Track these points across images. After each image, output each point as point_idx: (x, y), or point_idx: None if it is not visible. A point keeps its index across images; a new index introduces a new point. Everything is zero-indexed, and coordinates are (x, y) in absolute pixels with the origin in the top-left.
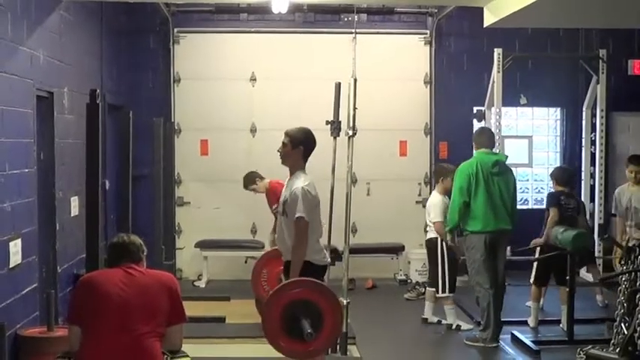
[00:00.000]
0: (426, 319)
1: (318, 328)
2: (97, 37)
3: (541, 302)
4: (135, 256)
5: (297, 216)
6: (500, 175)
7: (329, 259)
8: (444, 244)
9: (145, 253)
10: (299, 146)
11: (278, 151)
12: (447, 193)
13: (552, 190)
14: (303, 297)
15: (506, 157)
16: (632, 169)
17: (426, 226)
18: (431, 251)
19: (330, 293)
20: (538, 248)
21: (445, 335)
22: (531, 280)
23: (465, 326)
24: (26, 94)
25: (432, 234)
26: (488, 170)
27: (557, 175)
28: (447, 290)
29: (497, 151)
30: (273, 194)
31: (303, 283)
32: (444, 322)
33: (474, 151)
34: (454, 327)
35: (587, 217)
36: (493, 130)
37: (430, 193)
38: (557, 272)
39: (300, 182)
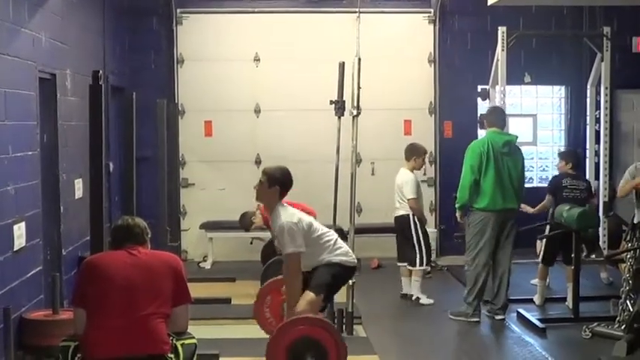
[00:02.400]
0: (406, 294)
1: None
2: (100, 18)
3: (547, 280)
4: (139, 239)
5: (286, 252)
6: (510, 155)
7: (355, 260)
8: (415, 219)
9: (149, 236)
10: (275, 185)
11: (254, 187)
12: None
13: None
14: (306, 334)
15: (517, 137)
16: None
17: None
18: (402, 227)
19: (333, 329)
20: (547, 227)
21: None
22: (539, 259)
23: (424, 300)
24: (29, 76)
25: (402, 211)
26: (499, 150)
27: (568, 156)
28: (423, 263)
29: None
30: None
31: (310, 320)
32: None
33: (485, 130)
34: (414, 298)
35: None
36: None
37: (434, 171)
38: (565, 251)
39: (280, 219)
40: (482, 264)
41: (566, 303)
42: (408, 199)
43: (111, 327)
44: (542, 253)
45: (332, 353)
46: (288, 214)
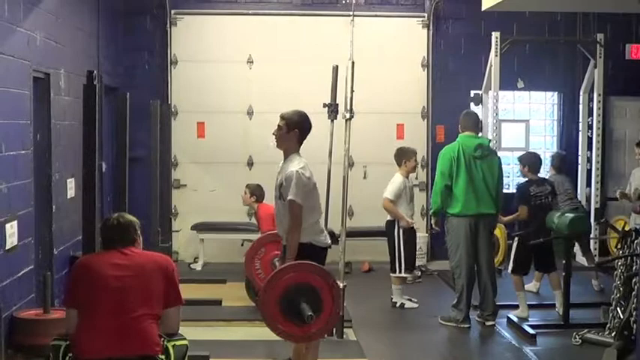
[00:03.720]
0: (396, 302)
1: (317, 310)
2: (94, 19)
3: (538, 287)
4: (129, 237)
5: (289, 199)
6: (483, 158)
7: (329, 241)
8: (398, 224)
9: (138, 233)
10: (294, 129)
11: (273, 133)
12: (409, 175)
13: (522, 179)
14: (300, 280)
15: (489, 140)
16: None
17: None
18: (388, 233)
19: (328, 275)
20: (516, 239)
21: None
22: (509, 270)
23: (408, 305)
24: (23, 75)
25: (389, 216)
26: (471, 154)
27: (528, 161)
28: (402, 270)
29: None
30: (259, 217)
31: (300, 266)
32: (405, 304)
33: (459, 135)
34: (398, 305)
35: (584, 201)
36: (490, 113)
37: (426, 175)
38: (537, 259)
39: (294, 165)
40: (464, 269)
41: (556, 309)
42: (383, 198)
43: (102, 328)
44: (511, 264)
45: (325, 295)
46: (303, 165)
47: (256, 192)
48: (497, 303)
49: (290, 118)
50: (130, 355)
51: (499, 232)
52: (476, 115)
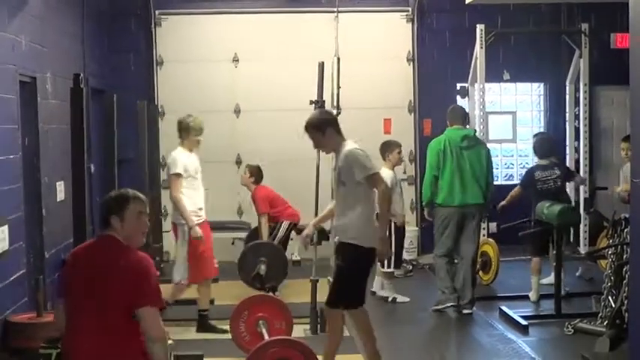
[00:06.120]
0: (374, 292)
1: None
2: (79, 21)
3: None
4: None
5: (366, 175)
6: (470, 148)
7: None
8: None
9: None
10: (326, 128)
11: (315, 147)
12: (395, 167)
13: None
14: (282, 356)
15: (475, 131)
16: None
17: None
18: None
19: (308, 350)
20: (533, 222)
21: (433, 314)
22: (531, 254)
23: (400, 299)
24: (9, 80)
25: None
26: (457, 145)
27: (535, 148)
28: (391, 266)
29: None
30: (256, 198)
31: (280, 342)
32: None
33: (446, 129)
34: (390, 300)
35: (573, 191)
36: (477, 106)
37: (414, 169)
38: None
39: (347, 148)
40: (440, 255)
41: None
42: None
43: (77, 326)
44: (531, 246)
45: None
46: (355, 145)
47: (255, 173)
48: (492, 295)
49: (313, 123)
50: None
51: (491, 250)
52: (462, 108)
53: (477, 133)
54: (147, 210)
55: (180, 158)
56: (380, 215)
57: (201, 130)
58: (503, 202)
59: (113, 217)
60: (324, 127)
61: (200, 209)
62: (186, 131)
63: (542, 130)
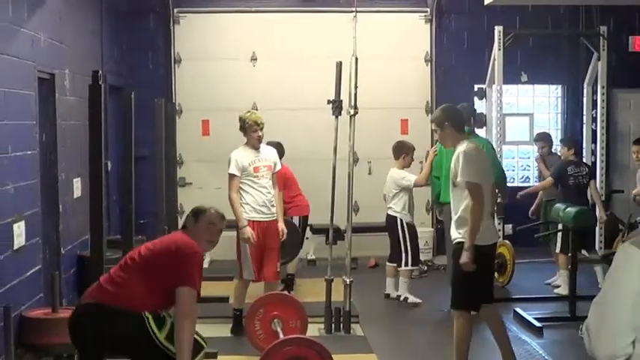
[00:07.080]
0: (389, 294)
1: None
2: (97, 18)
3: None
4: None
5: (465, 180)
6: None
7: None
8: (403, 220)
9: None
10: (444, 123)
11: (436, 141)
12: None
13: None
14: (296, 355)
15: (469, 129)
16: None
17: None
18: (391, 227)
19: (324, 350)
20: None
21: (447, 314)
22: (557, 250)
23: (412, 299)
24: (28, 76)
25: (390, 211)
26: None
27: (570, 142)
28: (409, 264)
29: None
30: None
31: (295, 341)
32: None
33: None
34: (402, 299)
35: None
36: (494, 107)
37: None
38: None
39: (461, 148)
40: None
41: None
42: (414, 183)
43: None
44: (559, 243)
45: None
46: (471, 147)
47: (276, 149)
48: (507, 297)
49: (436, 117)
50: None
51: (507, 252)
52: (467, 108)
53: (474, 131)
54: (220, 225)
55: (236, 157)
56: (470, 223)
57: (256, 124)
58: (526, 190)
59: (191, 218)
60: (442, 124)
61: (262, 206)
62: (243, 128)
63: (558, 130)
